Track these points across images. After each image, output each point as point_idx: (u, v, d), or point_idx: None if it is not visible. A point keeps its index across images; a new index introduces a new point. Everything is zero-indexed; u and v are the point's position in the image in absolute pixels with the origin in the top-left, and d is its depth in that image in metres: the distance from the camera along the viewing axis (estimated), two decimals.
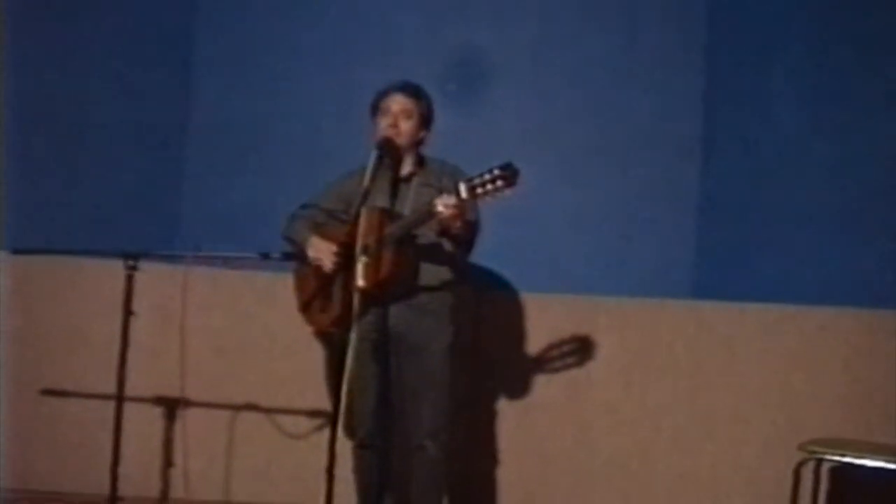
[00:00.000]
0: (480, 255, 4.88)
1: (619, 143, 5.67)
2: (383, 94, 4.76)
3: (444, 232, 4.53)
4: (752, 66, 5.63)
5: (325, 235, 4.71)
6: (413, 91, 4.77)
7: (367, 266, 4.39)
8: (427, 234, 4.60)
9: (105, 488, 4.93)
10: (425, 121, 4.79)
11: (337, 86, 5.72)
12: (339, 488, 4.21)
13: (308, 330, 4.93)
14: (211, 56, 5.84)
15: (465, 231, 4.54)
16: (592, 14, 5.72)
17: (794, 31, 5.59)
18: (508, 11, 5.75)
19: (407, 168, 4.76)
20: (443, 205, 4.34)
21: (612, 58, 5.70)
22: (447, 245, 4.64)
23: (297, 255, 4.81)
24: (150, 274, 5.01)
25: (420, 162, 4.81)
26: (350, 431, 4.68)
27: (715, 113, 5.63)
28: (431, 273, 4.67)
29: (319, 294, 4.68)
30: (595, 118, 5.70)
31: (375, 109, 4.76)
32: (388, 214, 4.59)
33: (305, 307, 4.78)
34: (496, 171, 4.24)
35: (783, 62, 5.60)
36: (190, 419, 5.53)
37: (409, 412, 4.70)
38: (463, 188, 4.31)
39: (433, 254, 4.66)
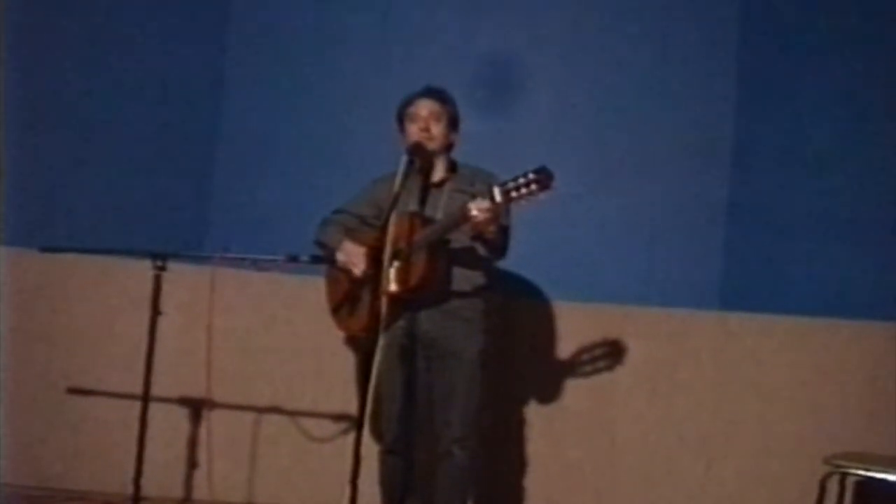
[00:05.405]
0: (509, 263, 4.86)
1: (648, 151, 5.65)
2: (409, 102, 4.75)
3: (477, 236, 4.50)
4: (784, 75, 5.62)
5: (356, 240, 4.70)
6: (439, 95, 4.76)
7: (399, 270, 4.39)
8: (460, 239, 4.57)
9: (128, 488, 4.96)
10: (454, 123, 4.78)
11: (367, 90, 5.72)
12: (362, 492, 4.20)
13: (334, 333, 4.92)
14: (242, 58, 5.84)
15: (498, 236, 4.52)
16: (624, 21, 5.71)
17: (826, 41, 5.58)
18: (539, 19, 5.74)
19: (439, 174, 4.75)
20: (477, 209, 4.31)
21: (644, 66, 5.69)
22: (481, 250, 4.60)
23: (325, 259, 4.81)
24: (178, 275, 5.04)
25: (452, 167, 4.80)
26: (377, 436, 4.70)
27: (745, 122, 5.61)
28: (465, 278, 4.65)
29: (350, 298, 4.69)
30: (625, 126, 5.68)
31: (402, 117, 4.75)
32: (421, 219, 4.57)
33: (336, 311, 4.78)
34: (531, 175, 4.22)
35: (814, 71, 5.59)
36: (215, 420, 5.52)
37: (437, 418, 4.68)
38: (497, 192, 4.28)
39: (467, 259, 4.63)
